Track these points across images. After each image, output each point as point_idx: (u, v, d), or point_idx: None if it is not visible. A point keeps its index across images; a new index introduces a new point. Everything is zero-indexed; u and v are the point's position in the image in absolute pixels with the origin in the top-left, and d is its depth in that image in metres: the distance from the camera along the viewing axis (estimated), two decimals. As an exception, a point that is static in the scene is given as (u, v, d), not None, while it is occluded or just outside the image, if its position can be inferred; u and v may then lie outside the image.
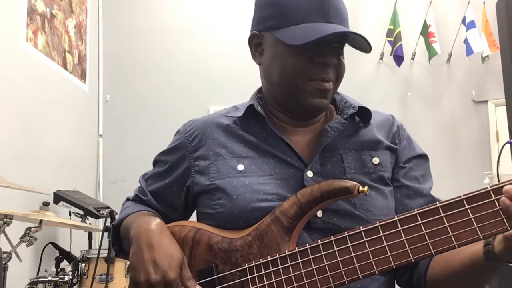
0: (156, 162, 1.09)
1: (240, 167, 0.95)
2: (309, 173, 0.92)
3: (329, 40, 0.89)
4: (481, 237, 0.71)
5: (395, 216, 0.77)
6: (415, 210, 0.76)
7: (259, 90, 1.06)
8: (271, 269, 0.84)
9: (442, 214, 0.74)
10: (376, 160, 0.96)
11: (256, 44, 0.99)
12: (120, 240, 1.05)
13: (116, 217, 1.07)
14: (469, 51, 3.89)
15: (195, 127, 1.04)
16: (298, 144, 0.96)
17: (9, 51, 2.72)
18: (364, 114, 0.99)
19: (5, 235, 2.03)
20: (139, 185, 1.10)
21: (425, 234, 0.74)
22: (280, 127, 0.99)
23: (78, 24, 3.77)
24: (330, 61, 0.91)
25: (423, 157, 1.02)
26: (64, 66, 3.46)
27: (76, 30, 3.73)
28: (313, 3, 0.89)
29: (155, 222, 0.93)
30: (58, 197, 2.90)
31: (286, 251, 0.84)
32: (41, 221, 2.19)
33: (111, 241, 1.07)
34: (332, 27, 0.88)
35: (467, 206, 0.72)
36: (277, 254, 0.84)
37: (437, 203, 0.75)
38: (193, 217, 1.06)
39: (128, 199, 1.12)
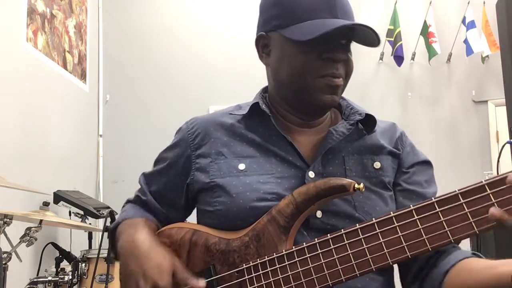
0: (157, 161, 1.08)
1: (241, 166, 0.94)
2: (311, 174, 0.92)
3: (337, 36, 0.88)
4: (477, 231, 0.71)
5: (391, 212, 0.77)
6: (411, 206, 0.76)
7: (264, 90, 1.06)
8: (269, 269, 0.84)
9: (438, 209, 0.74)
10: (377, 165, 0.96)
11: (263, 45, 0.98)
12: (116, 244, 1.04)
13: (117, 216, 1.06)
14: (469, 51, 3.89)
15: (198, 125, 1.03)
16: (301, 144, 0.96)
17: (9, 51, 2.72)
18: (368, 121, 0.99)
19: (5, 235, 2.03)
20: (140, 186, 1.10)
21: (421, 230, 0.74)
22: (284, 126, 0.99)
23: (78, 24, 3.77)
24: (339, 57, 0.90)
25: (427, 163, 1.01)
26: (64, 66, 3.46)
27: (76, 30, 3.73)
28: (320, 0, 0.89)
29: (141, 233, 0.93)
30: (58, 197, 2.90)
31: (283, 250, 0.84)
32: (41, 221, 2.19)
33: (109, 246, 1.07)
34: (340, 21, 0.88)
35: (462, 201, 0.72)
36: (274, 253, 0.84)
37: (433, 198, 0.75)
38: (193, 218, 1.06)
39: (128, 201, 1.12)
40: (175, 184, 1.02)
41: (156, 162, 1.08)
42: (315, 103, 0.93)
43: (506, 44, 2.29)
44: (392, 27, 3.97)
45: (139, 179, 1.10)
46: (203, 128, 1.02)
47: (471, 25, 3.90)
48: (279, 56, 0.95)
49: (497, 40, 3.03)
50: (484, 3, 3.91)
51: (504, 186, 0.70)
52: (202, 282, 0.86)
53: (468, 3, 3.93)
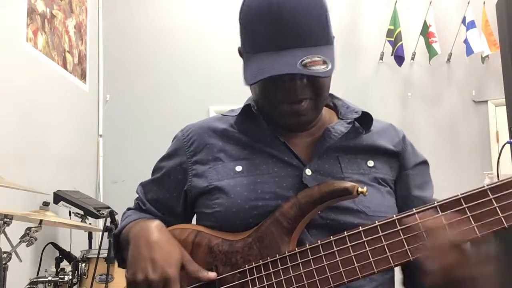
0: (154, 170, 1.09)
1: (238, 168, 0.96)
2: (308, 171, 0.92)
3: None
4: (479, 236, 0.71)
5: (394, 215, 0.78)
6: (414, 209, 0.76)
7: None
8: (271, 270, 0.84)
9: (441, 214, 0.74)
10: (371, 163, 0.96)
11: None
12: (122, 250, 1.04)
13: (117, 217, 1.06)
14: (469, 51, 3.89)
15: (193, 132, 1.04)
16: (295, 144, 0.97)
17: (9, 51, 2.72)
18: (365, 119, 0.99)
19: (5, 235, 2.03)
20: (138, 195, 1.10)
21: (423, 233, 0.74)
22: (277, 128, 0.99)
23: (78, 24, 3.77)
24: (292, 86, 0.87)
25: (425, 163, 1.03)
26: (64, 66, 3.46)
27: (76, 30, 3.73)
28: (266, 28, 0.86)
29: (154, 223, 0.94)
30: (58, 197, 2.90)
31: (286, 252, 0.84)
32: (41, 221, 2.19)
33: (114, 252, 1.07)
34: (280, 61, 0.84)
35: (464, 205, 0.72)
36: (277, 255, 0.84)
37: (435, 202, 0.75)
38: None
39: (128, 209, 1.12)
40: (172, 192, 1.03)
41: (153, 172, 1.09)
42: (282, 125, 0.95)
43: (506, 44, 2.29)
44: (392, 27, 3.97)
45: (137, 189, 1.11)
46: (199, 135, 1.03)
47: (471, 25, 3.90)
48: None
49: (497, 39, 3.03)
50: (484, 3, 3.91)
51: (507, 191, 0.70)
52: (213, 274, 0.88)
53: (468, 3, 3.93)
